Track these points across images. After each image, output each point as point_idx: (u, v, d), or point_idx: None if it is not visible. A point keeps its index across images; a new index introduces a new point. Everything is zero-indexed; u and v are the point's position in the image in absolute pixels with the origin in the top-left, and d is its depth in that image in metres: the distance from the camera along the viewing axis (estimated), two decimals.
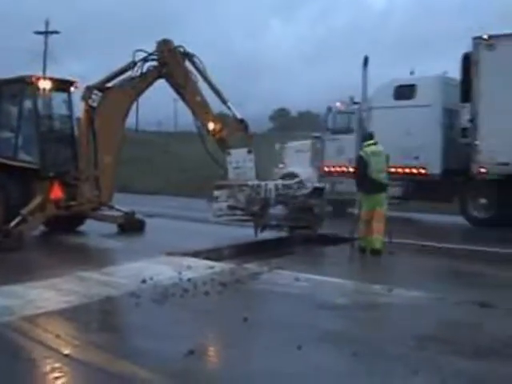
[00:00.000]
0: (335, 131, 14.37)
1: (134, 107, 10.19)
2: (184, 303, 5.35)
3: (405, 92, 12.91)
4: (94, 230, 10.23)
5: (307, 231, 9.54)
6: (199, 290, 5.75)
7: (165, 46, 10.22)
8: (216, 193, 9.95)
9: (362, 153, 8.64)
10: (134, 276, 6.32)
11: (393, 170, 12.09)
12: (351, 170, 13.04)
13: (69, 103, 10.41)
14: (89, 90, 9.99)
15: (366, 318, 4.98)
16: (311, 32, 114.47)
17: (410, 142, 12.91)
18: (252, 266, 7.20)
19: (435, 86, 12.86)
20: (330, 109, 14.74)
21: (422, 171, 12.76)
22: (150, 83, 10.26)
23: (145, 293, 5.58)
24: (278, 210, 9.71)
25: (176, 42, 10.30)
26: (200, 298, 5.50)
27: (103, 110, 9.95)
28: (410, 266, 7.82)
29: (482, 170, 11.82)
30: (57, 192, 9.74)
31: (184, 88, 10.24)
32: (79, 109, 10.16)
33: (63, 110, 10.44)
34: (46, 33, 33.58)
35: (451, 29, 75.66)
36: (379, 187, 8.55)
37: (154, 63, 10.24)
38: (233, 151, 10.22)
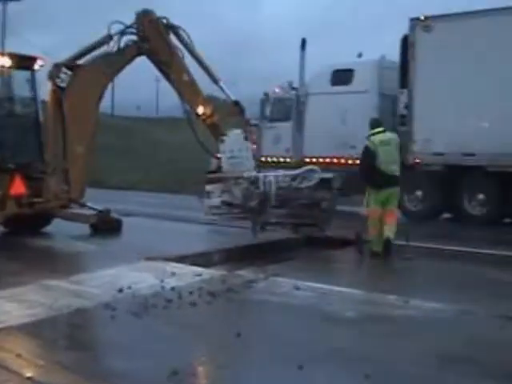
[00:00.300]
0: (273, 119, 15.21)
1: (109, 88, 10.36)
2: (167, 316, 5.30)
3: (342, 77, 13.57)
4: (63, 231, 10.17)
5: (314, 229, 9.59)
6: (185, 301, 5.71)
7: (145, 18, 10.16)
8: (208, 187, 10.04)
9: (368, 143, 8.65)
10: (109, 284, 6.29)
11: (328, 160, 13.65)
12: (288, 160, 14.68)
13: (32, 83, 10.18)
14: (57, 67, 9.85)
15: (379, 333, 4.94)
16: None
17: (346, 131, 13.64)
18: (246, 273, 7.16)
19: (372, 71, 13.47)
20: (266, 95, 15.48)
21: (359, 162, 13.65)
22: (129, 61, 10.19)
23: (121, 304, 5.54)
24: (279, 206, 9.73)
25: (159, 13, 10.24)
26: (185, 310, 5.46)
27: (73, 91, 9.83)
28: (429, 274, 7.80)
29: (417, 160, 12.51)
30: (18, 187, 9.60)
31: (169, 66, 10.21)
32: (45, 90, 10.01)
33: (25, 92, 10.22)
34: (4, 0, 33.47)
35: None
36: (390, 180, 8.59)
37: (134, 37, 10.18)
38: (227, 138, 10.27)
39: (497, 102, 11.98)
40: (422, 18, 12.78)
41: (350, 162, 13.47)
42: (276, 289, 6.35)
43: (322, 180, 9.68)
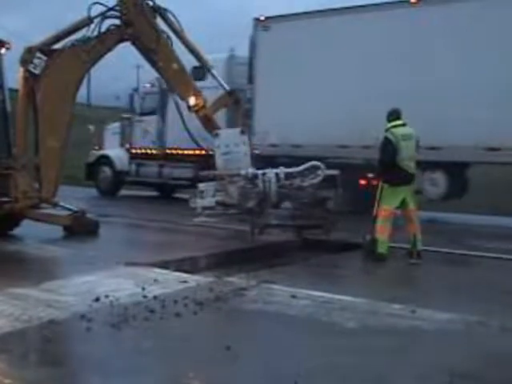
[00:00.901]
0: (142, 113, 17.67)
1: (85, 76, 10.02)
2: (149, 328, 5.27)
3: (199, 73, 14.93)
4: (33, 234, 10.06)
5: (318, 232, 9.66)
6: (169, 311, 5.69)
7: (129, 0, 10.10)
8: (201, 186, 10.20)
9: (389, 135, 8.64)
10: (85, 293, 6.25)
11: (186, 152, 16.02)
12: (154, 152, 17.22)
13: None
14: (30, 52, 9.73)
15: (384, 347, 4.91)
16: None
17: (199, 123, 15.63)
18: (236, 280, 7.17)
19: (222, 67, 14.98)
20: (136, 89, 17.88)
21: (210, 152, 15.75)
22: (111, 47, 10.14)
23: (98, 315, 5.50)
24: (279, 206, 9.86)
25: None
26: (170, 321, 5.43)
27: (48, 78, 9.73)
28: (438, 280, 7.83)
29: (257, 151, 14.07)
30: None
31: (156, 53, 10.21)
32: (15, 77, 9.92)
33: None
34: None
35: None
36: (409, 178, 8.69)
37: (116, 21, 10.14)
38: (222, 132, 10.43)
39: (317, 99, 14.09)
40: (262, 18, 15.11)
41: (203, 152, 15.27)
42: (270, 297, 6.33)
43: (326, 177, 9.74)
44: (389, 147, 8.54)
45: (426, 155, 10.94)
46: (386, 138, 8.64)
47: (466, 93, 12.57)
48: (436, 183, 13.49)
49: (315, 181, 9.70)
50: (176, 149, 16.70)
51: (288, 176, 9.88)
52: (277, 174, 9.77)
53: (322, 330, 5.30)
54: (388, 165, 8.61)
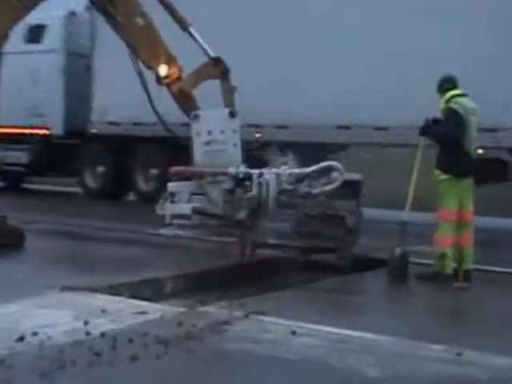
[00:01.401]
0: None
1: None
2: (93, 378, 5.18)
3: (35, 34, 16.05)
4: None
5: (332, 257, 9.60)
6: (121, 354, 5.59)
7: None
8: (171, 186, 10.13)
9: (455, 106, 8.73)
10: (4, 330, 6.11)
11: (20, 131, 17.07)
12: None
13: None
14: None
15: None
16: None
17: (35, 96, 16.83)
18: (216, 310, 7.14)
19: (61, 27, 16.40)
20: None
21: (46, 132, 16.44)
22: None
23: (23, 360, 5.39)
24: (281, 219, 9.88)
25: None
26: (122, 368, 5.33)
27: None
28: (491, 312, 7.78)
29: (94, 130, 15.70)
30: None
31: (113, 4, 10.32)
32: None
33: None
34: None
35: None
36: (472, 167, 8.85)
37: None
38: (203, 114, 10.37)
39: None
40: None
41: (38, 132, 16.62)
42: (261, 334, 6.28)
43: (346, 183, 9.63)
44: (456, 122, 8.65)
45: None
46: (452, 110, 8.71)
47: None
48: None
49: (329, 187, 9.58)
50: (10, 127, 17.51)
51: (293, 179, 9.83)
52: (278, 176, 9.76)
53: (335, 380, 5.22)
54: (455, 146, 8.70)
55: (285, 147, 13.40)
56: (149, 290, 8.16)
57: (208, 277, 9.02)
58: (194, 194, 10.16)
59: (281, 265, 9.84)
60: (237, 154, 10.36)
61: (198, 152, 10.30)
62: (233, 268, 9.46)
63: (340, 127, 14.55)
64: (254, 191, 9.64)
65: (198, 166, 10.25)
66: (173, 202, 10.08)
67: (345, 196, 9.72)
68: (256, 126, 15.26)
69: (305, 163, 12.98)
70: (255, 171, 9.77)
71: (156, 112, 11.13)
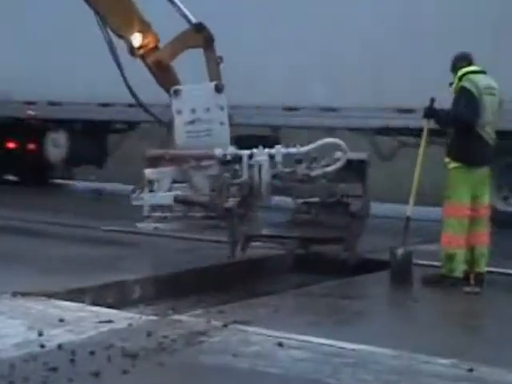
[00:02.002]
0: None
1: None
2: None
3: None
4: None
5: (337, 249, 9.56)
6: (81, 369, 5.44)
7: None
8: (149, 173, 10.00)
9: (467, 84, 8.70)
10: None
11: None
12: None
13: None
14: None
15: None
16: None
17: None
18: (191, 319, 7.00)
19: None
20: None
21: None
22: None
23: None
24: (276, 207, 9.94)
25: None
26: None
27: None
28: (507, 319, 7.64)
29: None
30: None
31: None
32: None
33: None
34: None
35: None
36: (488, 153, 8.84)
37: None
38: (184, 89, 10.30)
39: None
40: None
41: None
42: (243, 346, 6.15)
43: (350, 163, 9.53)
44: (469, 102, 8.60)
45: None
46: (464, 88, 8.68)
47: None
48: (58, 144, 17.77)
49: (332, 168, 9.50)
50: None
51: (289, 160, 9.72)
52: (271, 157, 9.62)
53: None
54: (465, 130, 8.69)
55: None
56: (114, 296, 8.10)
57: (183, 279, 8.93)
58: (175, 181, 10.04)
59: (269, 265, 9.82)
60: (224, 134, 10.27)
61: (180, 133, 10.19)
62: (212, 269, 9.33)
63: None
64: (245, 175, 9.57)
65: (180, 148, 10.17)
66: (151, 191, 9.97)
67: (349, 178, 9.64)
68: (29, 102, 17.32)
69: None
70: (245, 152, 9.63)
71: (129, 88, 10.89)
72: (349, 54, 14.53)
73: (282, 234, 9.81)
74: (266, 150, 9.68)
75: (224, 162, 9.67)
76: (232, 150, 9.72)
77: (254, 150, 9.63)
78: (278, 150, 9.68)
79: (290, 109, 15.39)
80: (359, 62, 14.63)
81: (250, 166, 9.52)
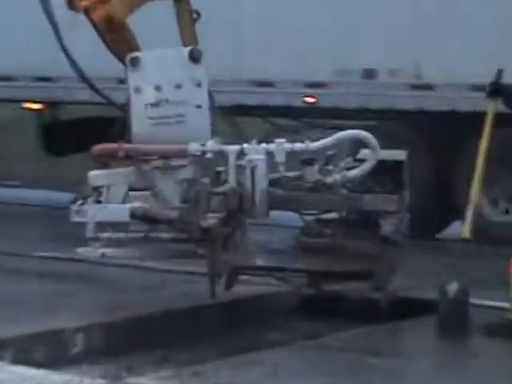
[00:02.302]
0: None
1: None
2: None
3: None
4: None
5: (363, 286, 8.41)
6: None
7: None
8: (95, 177, 8.95)
9: None
10: None
11: None
12: None
13: None
14: None
15: None
16: None
17: None
18: (152, 383, 6.43)
19: None
20: None
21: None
22: None
23: None
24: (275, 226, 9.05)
25: None
26: None
27: None
28: None
29: None
30: None
31: None
32: None
33: None
34: None
35: None
36: None
37: None
38: (146, 56, 9.18)
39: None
40: None
41: None
42: None
43: (381, 165, 8.25)
44: None
45: None
46: None
47: None
48: None
49: (355, 172, 8.22)
50: None
51: (294, 159, 8.49)
52: (270, 155, 8.38)
53: None
54: None
55: None
56: (47, 350, 7.26)
57: (144, 327, 7.92)
58: (132, 188, 8.84)
59: (265, 308, 8.62)
60: (203, 121, 8.97)
61: (139, 119, 8.86)
62: (184, 313, 8.23)
63: None
64: (231, 181, 8.29)
65: (139, 141, 8.85)
66: (98, 201, 8.75)
67: (380, 187, 8.33)
68: None
69: None
70: (233, 148, 8.40)
71: (69, 57, 9.39)
72: None
73: (284, 264, 8.48)
74: (263, 145, 8.48)
75: (202, 162, 8.48)
76: (213, 144, 8.47)
77: (246, 146, 8.39)
78: (280, 145, 8.43)
79: None
80: None
81: (240, 168, 8.28)
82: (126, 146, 8.97)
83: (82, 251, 9.15)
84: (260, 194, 8.33)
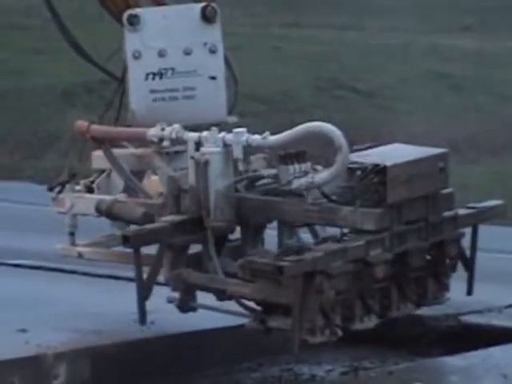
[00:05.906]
0: None
1: None
2: None
3: None
4: None
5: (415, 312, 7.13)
6: None
7: None
8: (96, 158, 8.10)
9: None
10: None
11: None
12: None
13: None
14: None
15: None
16: None
17: None
18: None
19: None
20: None
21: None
22: None
23: None
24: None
25: None
26: None
27: None
28: None
29: None
30: None
31: None
32: None
33: None
34: None
35: None
36: None
37: None
38: (147, 14, 7.98)
39: None
40: None
41: None
42: None
43: (362, 171, 6.68)
44: None
45: None
46: None
47: None
48: None
49: (321, 177, 6.77)
50: None
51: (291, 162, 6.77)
52: (227, 147, 7.10)
53: None
54: None
55: None
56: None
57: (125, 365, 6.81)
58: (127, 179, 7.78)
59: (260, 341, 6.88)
60: (217, 96, 7.94)
61: (138, 93, 7.88)
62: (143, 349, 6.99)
63: None
64: (191, 178, 7.04)
65: (139, 119, 7.82)
66: (90, 189, 7.99)
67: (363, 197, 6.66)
68: None
69: None
70: (192, 135, 7.28)
71: (63, 31, 8.14)
72: None
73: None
74: (222, 133, 7.29)
75: (165, 150, 7.67)
76: (173, 129, 7.48)
77: (204, 134, 7.27)
78: (238, 136, 7.24)
79: None
80: None
81: (196, 163, 7.03)
82: (94, 126, 7.97)
83: (60, 248, 8.25)
84: (215, 197, 7.13)
